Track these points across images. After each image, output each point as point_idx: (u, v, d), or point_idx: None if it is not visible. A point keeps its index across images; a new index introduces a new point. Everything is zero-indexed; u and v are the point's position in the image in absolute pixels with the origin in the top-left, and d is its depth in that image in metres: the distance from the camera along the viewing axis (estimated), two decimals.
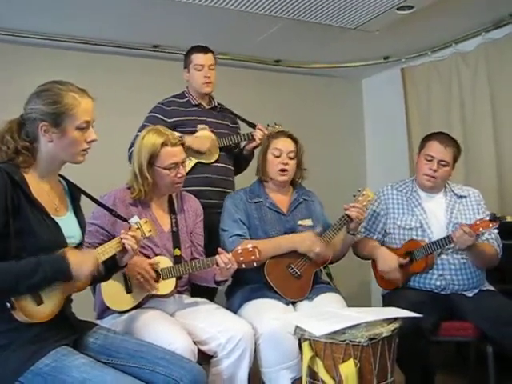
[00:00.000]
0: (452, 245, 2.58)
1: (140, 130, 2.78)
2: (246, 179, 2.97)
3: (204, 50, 3.06)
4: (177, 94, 3.10)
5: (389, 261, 2.68)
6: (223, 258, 2.24)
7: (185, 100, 3.07)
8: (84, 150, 1.78)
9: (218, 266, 2.25)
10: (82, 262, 1.68)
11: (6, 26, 3.38)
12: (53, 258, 1.64)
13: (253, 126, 3.11)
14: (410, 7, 3.23)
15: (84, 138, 1.76)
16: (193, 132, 2.93)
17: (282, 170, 2.67)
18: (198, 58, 3.04)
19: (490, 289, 2.71)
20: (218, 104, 3.16)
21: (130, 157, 2.71)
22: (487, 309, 2.49)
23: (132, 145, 2.75)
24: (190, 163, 2.88)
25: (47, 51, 3.60)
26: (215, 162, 2.97)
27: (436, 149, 2.73)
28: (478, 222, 2.49)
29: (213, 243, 2.55)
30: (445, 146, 2.72)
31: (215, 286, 2.42)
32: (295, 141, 2.73)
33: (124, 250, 1.87)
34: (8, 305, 1.56)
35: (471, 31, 3.79)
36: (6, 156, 1.69)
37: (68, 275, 1.65)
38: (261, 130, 3.03)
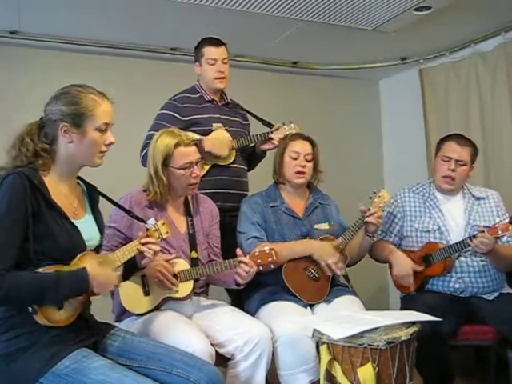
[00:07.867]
0: (471, 247, 2.55)
1: (152, 129, 2.77)
2: (260, 180, 2.91)
3: (217, 42, 2.90)
4: (188, 89, 2.97)
5: (403, 266, 2.66)
6: (244, 267, 2.25)
7: (197, 95, 2.94)
8: (101, 153, 1.80)
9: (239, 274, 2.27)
10: (103, 280, 1.70)
11: (27, 31, 3.42)
12: (73, 278, 1.65)
13: (269, 125, 2.98)
14: (428, 8, 3.21)
15: (102, 140, 1.78)
16: (208, 131, 2.84)
17: (299, 173, 2.67)
18: (211, 52, 2.88)
19: (510, 292, 2.68)
20: (231, 100, 3.04)
21: (143, 158, 2.70)
22: (508, 312, 2.46)
23: (145, 145, 2.70)
24: (206, 167, 2.80)
25: (65, 55, 3.64)
26: (231, 163, 2.89)
27: (452, 149, 2.71)
28: (497, 225, 2.45)
29: (229, 246, 2.54)
30: (461, 146, 2.70)
31: (236, 287, 2.41)
32: (312, 143, 2.73)
33: (142, 254, 1.90)
34: (30, 309, 1.59)
35: (490, 31, 3.74)
36: (26, 159, 1.71)
37: (88, 291, 1.69)
38: (279, 132, 2.90)
